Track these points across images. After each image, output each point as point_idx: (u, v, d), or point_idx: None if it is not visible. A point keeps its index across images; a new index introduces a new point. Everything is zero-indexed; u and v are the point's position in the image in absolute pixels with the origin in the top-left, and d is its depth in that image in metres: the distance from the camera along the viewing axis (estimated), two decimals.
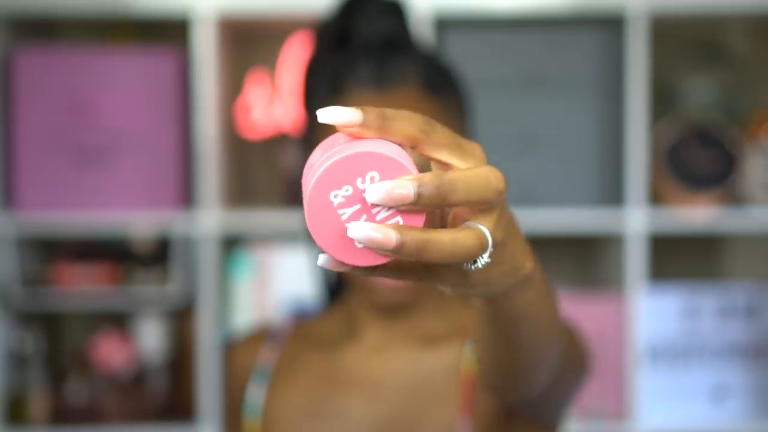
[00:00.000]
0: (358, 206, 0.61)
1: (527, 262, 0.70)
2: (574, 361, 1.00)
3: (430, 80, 1.12)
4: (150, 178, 2.09)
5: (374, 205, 0.61)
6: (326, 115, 0.60)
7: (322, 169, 0.60)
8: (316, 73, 1.14)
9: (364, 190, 0.61)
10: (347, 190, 0.61)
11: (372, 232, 0.59)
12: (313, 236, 0.61)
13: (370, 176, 0.61)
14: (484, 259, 0.63)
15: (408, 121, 0.61)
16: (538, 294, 0.75)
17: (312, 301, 2.13)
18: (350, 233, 0.59)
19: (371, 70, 1.10)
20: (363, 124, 0.60)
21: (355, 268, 0.63)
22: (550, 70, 2.11)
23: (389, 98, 1.09)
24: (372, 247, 0.59)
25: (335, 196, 0.61)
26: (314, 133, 1.14)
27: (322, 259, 0.63)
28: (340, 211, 0.61)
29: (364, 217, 0.61)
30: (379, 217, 0.61)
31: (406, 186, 0.59)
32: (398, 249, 0.59)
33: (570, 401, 1.05)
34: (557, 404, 1.03)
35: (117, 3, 2.07)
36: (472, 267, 0.64)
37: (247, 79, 2.30)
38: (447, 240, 0.60)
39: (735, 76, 2.23)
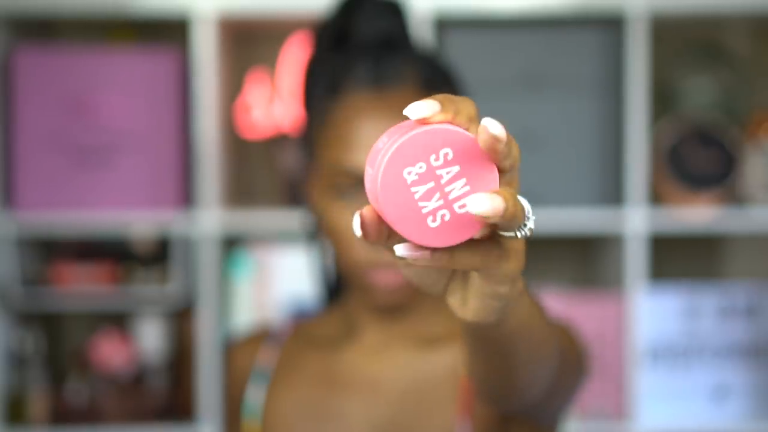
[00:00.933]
0: (431, 184, 0.61)
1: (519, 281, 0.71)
2: (571, 364, 0.99)
3: (428, 80, 1.12)
4: (150, 178, 2.09)
5: (448, 182, 0.61)
6: (417, 110, 0.60)
7: (396, 145, 0.60)
8: (315, 73, 1.14)
9: (437, 167, 0.60)
10: (421, 167, 0.60)
11: (494, 202, 0.58)
12: (387, 218, 0.60)
13: (443, 153, 0.60)
14: (530, 221, 0.64)
15: (466, 104, 0.63)
16: (525, 309, 0.75)
17: (312, 301, 2.13)
18: (472, 208, 0.58)
19: (369, 70, 1.10)
20: (441, 111, 0.61)
21: (434, 252, 0.61)
22: (550, 70, 2.11)
23: (387, 98, 1.09)
24: (490, 216, 0.58)
25: (409, 173, 0.60)
26: (314, 133, 1.14)
27: (400, 249, 0.62)
28: (413, 189, 0.60)
29: (438, 195, 0.61)
30: (452, 195, 0.61)
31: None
32: (507, 211, 0.59)
33: (569, 403, 1.05)
34: (556, 407, 1.03)
35: (117, 3, 2.07)
36: (521, 233, 0.64)
37: (247, 79, 2.30)
38: (513, 196, 0.61)
39: (735, 76, 2.23)
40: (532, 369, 0.83)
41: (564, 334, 1.02)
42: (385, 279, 1.09)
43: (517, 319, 0.74)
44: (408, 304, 1.13)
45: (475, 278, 0.67)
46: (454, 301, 0.69)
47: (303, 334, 1.22)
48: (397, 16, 1.16)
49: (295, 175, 2.19)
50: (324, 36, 1.17)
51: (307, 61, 1.17)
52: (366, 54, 1.11)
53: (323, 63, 1.14)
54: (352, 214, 1.09)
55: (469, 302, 0.68)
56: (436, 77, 1.12)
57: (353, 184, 1.08)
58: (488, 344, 0.77)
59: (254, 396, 1.19)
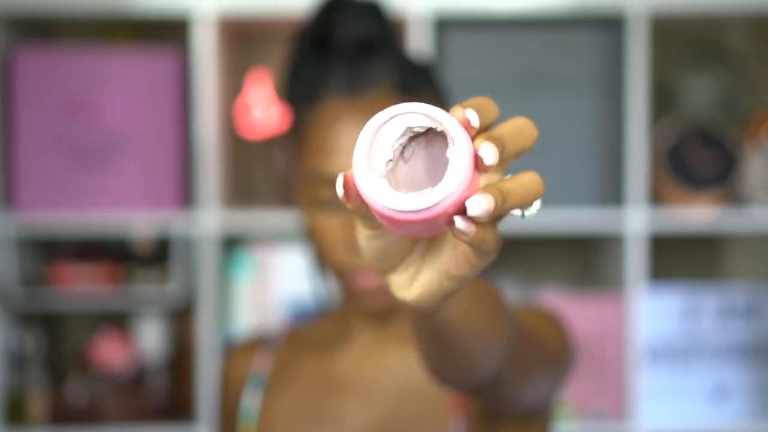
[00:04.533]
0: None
1: None
2: (551, 354, 0.99)
3: (403, 82, 1.11)
4: (150, 178, 2.09)
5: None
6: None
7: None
8: (294, 78, 1.14)
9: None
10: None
11: (486, 202, 0.58)
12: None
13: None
14: (538, 202, 0.63)
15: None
16: (465, 300, 0.75)
17: (312, 302, 2.13)
18: (472, 212, 0.58)
19: (343, 75, 1.09)
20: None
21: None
22: (550, 70, 2.11)
23: (363, 103, 1.08)
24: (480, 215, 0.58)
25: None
26: (296, 138, 1.14)
27: (461, 222, 0.60)
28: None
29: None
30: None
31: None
32: (494, 210, 0.59)
33: (554, 393, 1.04)
34: (539, 397, 1.02)
35: (117, 3, 2.07)
36: (526, 213, 0.63)
37: (247, 79, 2.30)
38: (516, 187, 0.60)
39: (735, 76, 2.23)
40: (475, 355, 0.82)
41: (545, 323, 1.02)
42: (368, 282, 1.09)
43: (454, 309, 0.74)
44: (397, 307, 1.13)
45: (444, 255, 0.66)
46: (398, 279, 0.68)
47: (297, 339, 1.22)
48: (375, 18, 1.14)
49: (284, 177, 2.19)
50: (303, 40, 1.16)
51: (287, 66, 1.16)
52: (341, 59, 1.10)
53: (301, 68, 1.14)
54: (333, 220, 1.10)
55: (418, 282, 0.67)
56: (411, 78, 1.12)
57: (333, 191, 1.08)
58: (427, 329, 0.77)
59: (250, 402, 1.19)
